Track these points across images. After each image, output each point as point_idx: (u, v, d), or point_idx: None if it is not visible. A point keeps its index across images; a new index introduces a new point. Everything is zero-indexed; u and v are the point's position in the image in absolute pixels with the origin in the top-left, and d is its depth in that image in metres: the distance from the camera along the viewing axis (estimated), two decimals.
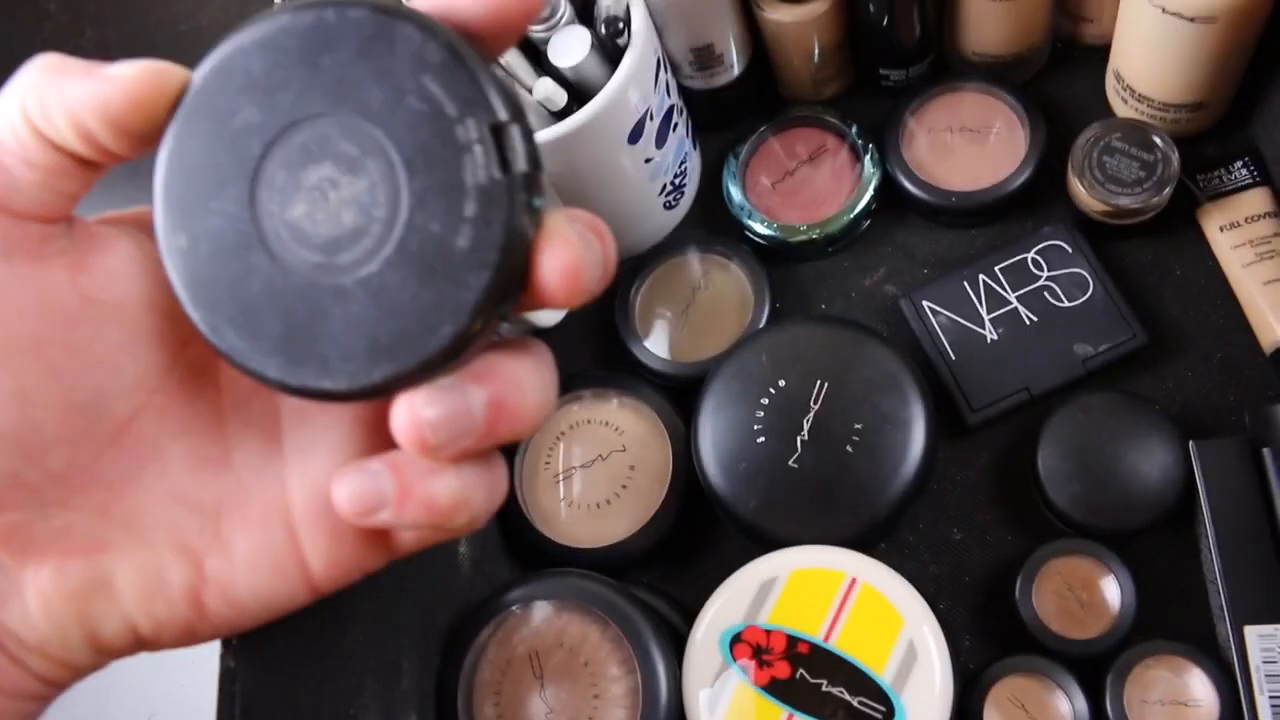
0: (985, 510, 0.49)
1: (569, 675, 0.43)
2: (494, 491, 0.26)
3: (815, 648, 0.40)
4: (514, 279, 0.23)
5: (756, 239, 0.55)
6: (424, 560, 0.44)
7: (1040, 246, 0.51)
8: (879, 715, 0.39)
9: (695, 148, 0.59)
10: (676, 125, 0.54)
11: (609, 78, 0.47)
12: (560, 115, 0.47)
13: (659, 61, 0.50)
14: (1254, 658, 0.41)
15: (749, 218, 0.55)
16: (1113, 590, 0.44)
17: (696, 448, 0.47)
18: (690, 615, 0.43)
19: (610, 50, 0.48)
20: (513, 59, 0.48)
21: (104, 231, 0.26)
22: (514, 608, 0.44)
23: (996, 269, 0.51)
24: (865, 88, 0.58)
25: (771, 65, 0.57)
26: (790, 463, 0.45)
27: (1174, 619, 0.45)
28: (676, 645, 0.42)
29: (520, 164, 0.23)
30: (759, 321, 0.53)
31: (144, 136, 0.24)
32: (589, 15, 0.49)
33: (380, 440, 0.27)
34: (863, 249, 0.55)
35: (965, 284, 0.51)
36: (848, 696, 0.39)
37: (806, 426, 0.46)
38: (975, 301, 0.51)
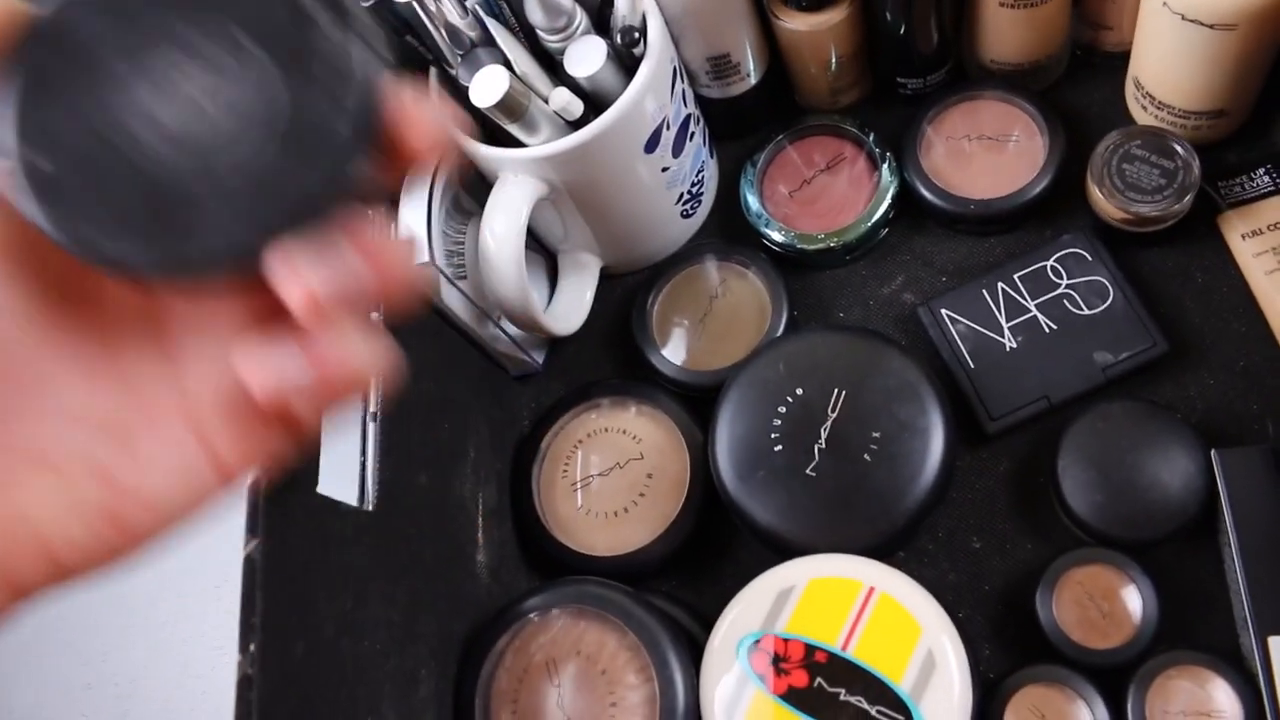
0: (1005, 519, 0.49)
1: (586, 683, 0.43)
2: (389, 351, 0.27)
3: (833, 656, 0.40)
4: (373, 127, 0.25)
5: (774, 247, 0.55)
6: (441, 569, 0.45)
7: (1059, 254, 0.51)
8: None
9: (712, 156, 0.59)
10: (693, 134, 0.54)
11: (625, 87, 0.47)
12: (577, 125, 0.48)
13: (675, 71, 0.51)
14: (1278, 668, 0.40)
15: (766, 226, 0.55)
16: (1134, 600, 0.44)
17: (714, 456, 0.47)
18: (708, 623, 0.43)
19: (626, 60, 0.49)
20: (529, 69, 0.48)
21: None
22: (531, 615, 0.44)
23: (1015, 277, 0.51)
24: (883, 96, 0.58)
25: (788, 74, 0.57)
26: (808, 471, 0.45)
27: (1196, 629, 0.44)
28: (694, 653, 0.42)
29: (360, 23, 0.24)
30: (776, 330, 0.52)
31: None
32: (605, 25, 0.49)
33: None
34: (881, 257, 0.55)
35: (984, 292, 0.51)
36: (866, 705, 0.39)
37: (824, 435, 0.46)
38: (994, 309, 0.51)
